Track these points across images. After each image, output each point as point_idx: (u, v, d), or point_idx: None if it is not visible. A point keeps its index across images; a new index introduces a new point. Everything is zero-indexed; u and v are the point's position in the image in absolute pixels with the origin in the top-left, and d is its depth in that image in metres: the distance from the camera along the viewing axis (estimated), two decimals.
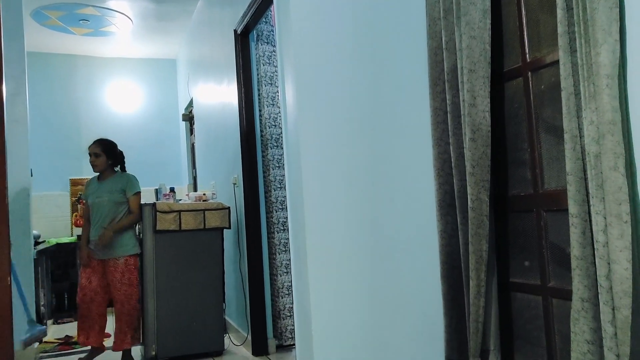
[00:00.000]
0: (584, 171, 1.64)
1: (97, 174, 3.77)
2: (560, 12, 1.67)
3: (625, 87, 1.54)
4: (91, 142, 3.76)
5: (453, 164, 2.24)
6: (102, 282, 3.63)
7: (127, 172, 3.87)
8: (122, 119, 6.70)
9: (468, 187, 2.11)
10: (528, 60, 2.08)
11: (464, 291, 2.26)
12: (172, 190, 4.13)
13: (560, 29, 1.67)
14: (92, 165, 3.70)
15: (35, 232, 4.69)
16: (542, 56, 2.00)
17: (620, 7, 1.52)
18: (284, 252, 3.83)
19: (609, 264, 1.51)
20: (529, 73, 2.06)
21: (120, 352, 3.71)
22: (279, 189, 3.86)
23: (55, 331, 4.93)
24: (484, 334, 2.15)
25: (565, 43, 1.66)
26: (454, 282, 2.30)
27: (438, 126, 2.34)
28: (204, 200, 3.99)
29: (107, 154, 3.70)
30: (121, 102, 6.72)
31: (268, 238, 3.85)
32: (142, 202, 3.96)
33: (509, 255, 2.24)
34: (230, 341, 4.10)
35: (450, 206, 2.30)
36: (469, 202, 2.11)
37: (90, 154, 3.69)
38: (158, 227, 3.70)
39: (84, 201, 3.82)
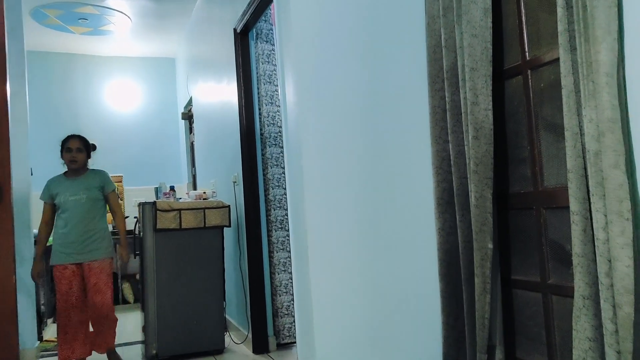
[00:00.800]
0: (585, 169, 1.65)
1: (60, 172, 3.59)
2: (560, 10, 1.67)
3: (625, 85, 1.54)
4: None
5: (452, 162, 2.25)
6: (82, 285, 3.47)
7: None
8: (122, 118, 6.70)
9: (471, 185, 2.12)
10: (527, 58, 2.08)
11: (462, 289, 2.27)
12: (172, 188, 4.13)
13: (560, 27, 1.67)
14: (71, 161, 3.49)
15: (35, 231, 4.68)
16: (542, 54, 2.01)
17: (618, 6, 1.53)
18: (281, 250, 3.84)
19: (609, 261, 1.52)
20: (529, 71, 2.07)
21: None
22: (277, 187, 3.87)
23: (55, 330, 4.93)
24: (489, 331, 2.16)
25: (565, 41, 1.67)
26: (451, 279, 2.31)
27: (437, 124, 2.35)
28: (204, 199, 4.00)
29: (87, 150, 3.56)
30: (120, 101, 6.72)
31: (267, 236, 3.86)
32: (143, 200, 3.96)
33: (510, 253, 2.25)
34: (230, 339, 4.11)
35: (449, 204, 2.31)
36: (472, 200, 2.12)
37: (70, 149, 3.49)
38: (158, 226, 3.70)
39: (47, 202, 3.56)
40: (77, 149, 3.50)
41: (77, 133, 3.62)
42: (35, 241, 4.44)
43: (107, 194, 3.56)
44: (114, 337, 3.60)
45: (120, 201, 3.75)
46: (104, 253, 3.51)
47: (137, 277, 5.53)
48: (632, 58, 1.53)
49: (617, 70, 1.51)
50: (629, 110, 1.54)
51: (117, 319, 3.65)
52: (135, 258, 4.00)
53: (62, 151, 3.55)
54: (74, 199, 3.47)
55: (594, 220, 1.57)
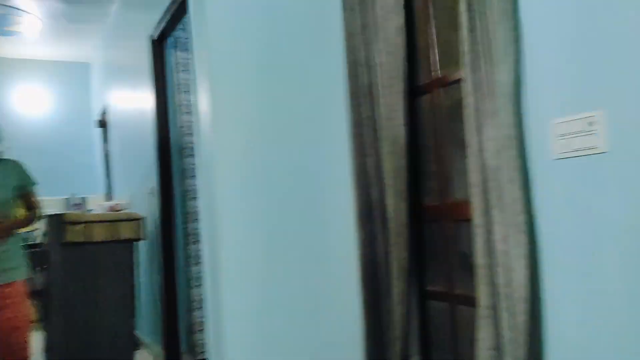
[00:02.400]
0: (486, 183, 1.72)
1: None
2: (464, 32, 1.75)
3: (521, 105, 1.63)
4: None
5: (371, 175, 2.28)
6: None
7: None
8: (31, 124, 6.36)
9: (387, 198, 2.16)
10: (436, 77, 2.16)
11: (382, 299, 2.30)
12: (82, 199, 3.92)
13: (465, 47, 1.74)
14: None
15: None
16: (450, 73, 2.09)
17: (516, 30, 1.62)
18: (198, 264, 3.74)
19: (508, 271, 1.59)
20: (438, 89, 2.15)
21: None
22: (194, 199, 3.78)
23: None
24: (406, 341, 2.19)
25: (469, 61, 1.74)
26: (373, 289, 2.33)
27: (356, 138, 2.37)
28: (116, 211, 3.83)
29: None
30: (30, 106, 6.38)
31: (184, 250, 3.75)
32: (49, 212, 3.73)
33: (425, 264, 2.30)
34: (142, 357, 3.94)
35: (369, 216, 2.34)
36: (388, 212, 2.16)
37: None
38: (66, 239, 3.50)
39: None
40: None
41: None
42: None
43: (28, 191, 2.78)
44: None
45: None
46: (21, 274, 2.72)
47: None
48: (531, 78, 1.62)
49: (515, 90, 1.59)
50: (525, 129, 1.63)
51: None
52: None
53: None
54: None
55: (494, 233, 1.64)
